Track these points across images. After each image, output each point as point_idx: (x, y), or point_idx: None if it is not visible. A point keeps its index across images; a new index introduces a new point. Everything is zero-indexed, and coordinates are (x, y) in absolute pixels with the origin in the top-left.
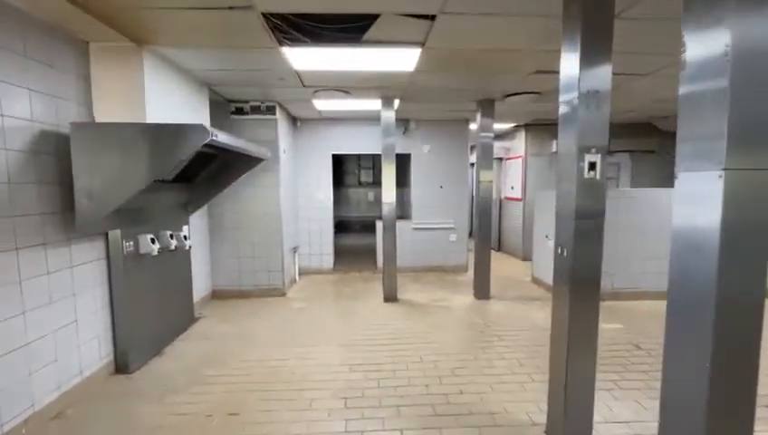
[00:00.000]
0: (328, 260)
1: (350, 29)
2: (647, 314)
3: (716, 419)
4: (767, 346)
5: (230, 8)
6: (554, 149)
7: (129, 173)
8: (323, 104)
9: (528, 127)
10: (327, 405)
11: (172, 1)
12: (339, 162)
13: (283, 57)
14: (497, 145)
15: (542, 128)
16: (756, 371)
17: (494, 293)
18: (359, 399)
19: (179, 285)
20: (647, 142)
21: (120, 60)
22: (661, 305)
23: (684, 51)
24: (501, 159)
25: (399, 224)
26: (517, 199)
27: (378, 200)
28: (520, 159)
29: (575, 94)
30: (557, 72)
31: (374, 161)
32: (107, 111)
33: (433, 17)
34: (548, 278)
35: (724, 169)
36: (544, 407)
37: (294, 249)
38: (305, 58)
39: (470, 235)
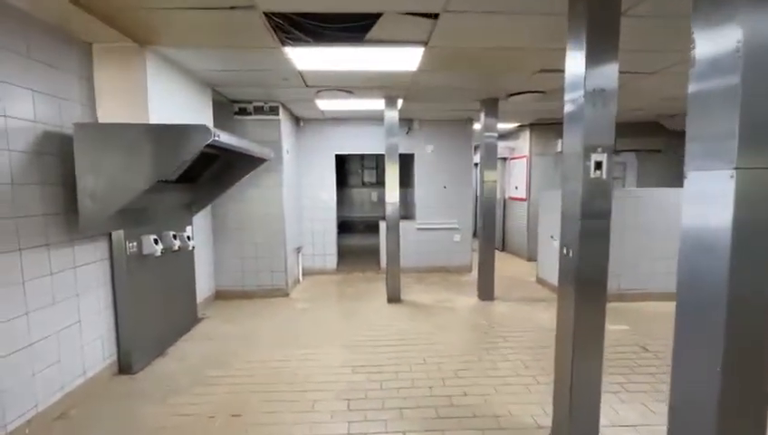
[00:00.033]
0: (331, 260)
1: (353, 28)
2: (653, 316)
3: (728, 419)
4: None
5: (232, 8)
6: (559, 149)
7: (132, 174)
8: (326, 104)
9: (532, 126)
10: (330, 407)
11: (173, 1)
12: (342, 162)
13: (285, 57)
14: (501, 145)
15: (547, 127)
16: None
17: (499, 293)
18: (361, 401)
19: (183, 285)
20: (653, 141)
21: (122, 60)
22: (668, 306)
23: (693, 47)
24: (505, 158)
25: (403, 224)
26: (522, 199)
27: (381, 200)
28: (524, 159)
29: (581, 93)
30: (562, 71)
31: (377, 161)
32: (110, 112)
33: (436, 16)
34: (553, 279)
35: (736, 169)
36: (549, 410)
37: (298, 249)
38: (308, 58)
39: (474, 235)
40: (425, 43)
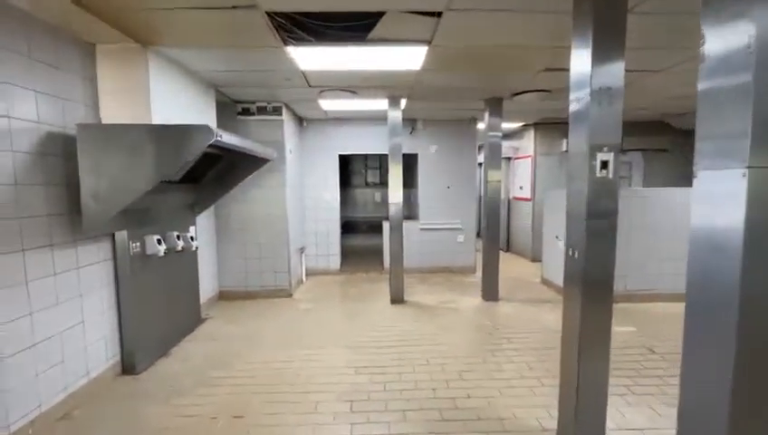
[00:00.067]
0: (335, 261)
1: (355, 27)
2: (660, 317)
3: (740, 420)
4: None
5: (233, 7)
6: (564, 149)
7: (134, 174)
8: (330, 104)
9: (537, 126)
10: (332, 408)
11: (175, 1)
12: (345, 163)
13: (288, 57)
14: (506, 144)
15: (552, 127)
16: None
17: (503, 294)
18: (364, 402)
19: (186, 285)
20: (659, 141)
21: (125, 61)
22: (675, 307)
23: (703, 43)
24: (509, 158)
25: (406, 224)
26: (526, 199)
27: (384, 201)
28: (529, 159)
29: (586, 91)
30: (567, 70)
31: (381, 162)
32: (113, 113)
33: (439, 14)
34: (558, 279)
35: (748, 168)
36: (555, 412)
37: (301, 250)
38: (311, 58)
39: (478, 235)
40: (428, 42)
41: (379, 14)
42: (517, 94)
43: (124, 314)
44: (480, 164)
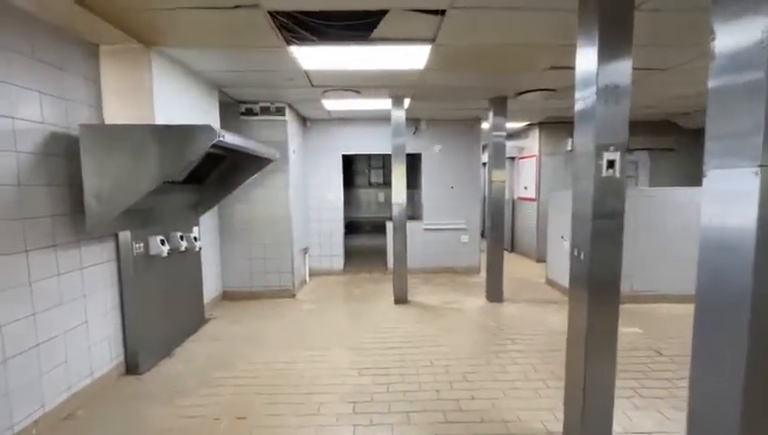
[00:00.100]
0: (338, 261)
1: (358, 26)
2: (666, 318)
3: (753, 419)
4: None
5: (236, 7)
6: (569, 148)
7: (137, 174)
8: (333, 104)
9: (542, 125)
10: (335, 410)
11: (177, 1)
12: (349, 163)
13: (291, 57)
14: (510, 144)
15: (557, 126)
16: None
17: (508, 295)
18: (367, 404)
19: (190, 286)
20: (665, 140)
21: (128, 61)
22: (682, 308)
23: (713, 39)
24: (513, 158)
25: (410, 225)
26: (531, 199)
27: (388, 201)
28: (534, 159)
29: (592, 90)
30: (573, 68)
31: (384, 162)
32: (116, 113)
33: (443, 12)
34: (563, 280)
35: (761, 166)
36: (560, 415)
37: (304, 250)
38: (313, 57)
39: (482, 235)
40: (432, 41)
41: (382, 13)
42: (522, 93)
43: (128, 314)
44: (484, 164)
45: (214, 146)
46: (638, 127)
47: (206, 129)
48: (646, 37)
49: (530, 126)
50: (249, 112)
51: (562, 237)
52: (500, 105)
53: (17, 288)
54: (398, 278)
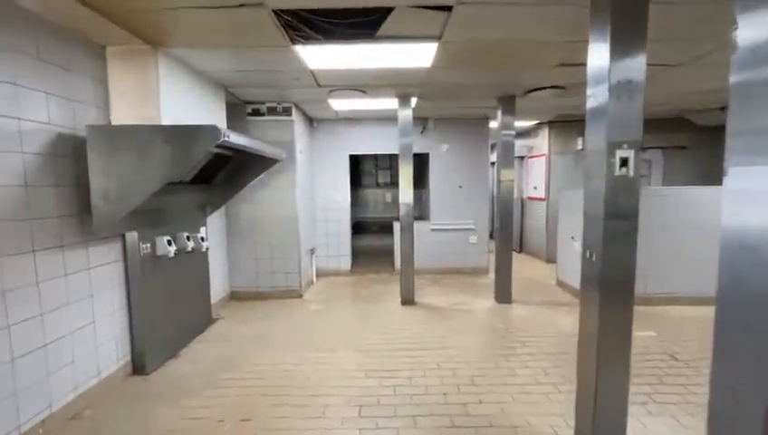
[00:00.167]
0: (345, 261)
1: (364, 24)
2: (680, 320)
3: None
4: None
5: (240, 6)
6: (580, 147)
7: (144, 175)
8: (340, 104)
9: (551, 124)
10: (341, 413)
11: (182, 0)
12: (356, 163)
13: (296, 56)
14: (519, 143)
15: (567, 125)
16: None
17: (517, 296)
18: (374, 407)
19: (197, 286)
20: (679, 137)
21: (135, 62)
22: (696, 311)
23: (735, 29)
24: (522, 157)
25: (417, 225)
26: (540, 199)
27: (395, 201)
28: (543, 158)
29: (605, 86)
30: (583, 65)
31: (392, 162)
32: (123, 114)
33: (449, 8)
34: (574, 281)
35: None
36: (571, 421)
37: (312, 250)
38: (319, 56)
39: (491, 236)
40: (438, 38)
41: (388, 10)
42: (531, 91)
43: (135, 314)
44: (493, 163)
45: (220, 146)
46: (651, 124)
47: (211, 129)
48: (659, 31)
49: (539, 125)
50: (256, 113)
51: (572, 238)
52: (508, 103)
53: (25, 288)
54: (405, 279)
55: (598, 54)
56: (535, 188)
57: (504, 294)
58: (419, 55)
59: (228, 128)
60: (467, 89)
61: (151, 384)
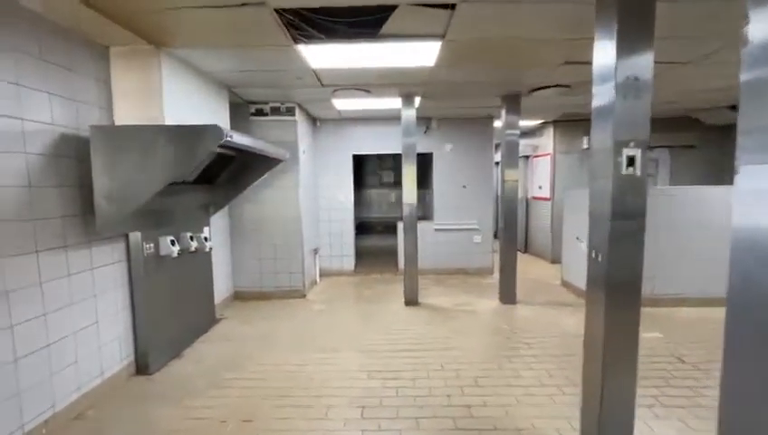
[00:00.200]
0: (349, 262)
1: (366, 23)
2: (686, 322)
3: None
4: None
5: (242, 5)
6: (585, 146)
7: (146, 174)
8: (343, 104)
9: (556, 123)
10: (343, 414)
11: (184, 0)
12: (360, 163)
13: (299, 55)
14: (523, 142)
15: (572, 124)
16: None
17: (521, 297)
18: (376, 408)
19: (200, 286)
20: (686, 137)
21: (138, 63)
22: (703, 312)
23: (747, 23)
24: (527, 157)
25: (421, 225)
26: (545, 199)
27: (399, 201)
28: (548, 157)
29: (611, 84)
30: (589, 63)
31: (395, 162)
32: (126, 114)
33: (453, 6)
34: (579, 282)
35: None
36: (576, 424)
37: (315, 250)
38: (322, 55)
39: (495, 236)
40: (442, 37)
41: (391, 8)
42: (535, 90)
43: (138, 314)
44: (497, 163)
45: (222, 146)
46: (658, 123)
47: (214, 129)
48: (665, 29)
49: (544, 124)
50: (259, 113)
51: (577, 238)
52: (513, 103)
53: (28, 289)
54: (408, 279)
55: (604, 52)
56: (540, 187)
57: (508, 294)
58: (422, 54)
59: (232, 128)
60: (471, 88)
61: (155, 384)
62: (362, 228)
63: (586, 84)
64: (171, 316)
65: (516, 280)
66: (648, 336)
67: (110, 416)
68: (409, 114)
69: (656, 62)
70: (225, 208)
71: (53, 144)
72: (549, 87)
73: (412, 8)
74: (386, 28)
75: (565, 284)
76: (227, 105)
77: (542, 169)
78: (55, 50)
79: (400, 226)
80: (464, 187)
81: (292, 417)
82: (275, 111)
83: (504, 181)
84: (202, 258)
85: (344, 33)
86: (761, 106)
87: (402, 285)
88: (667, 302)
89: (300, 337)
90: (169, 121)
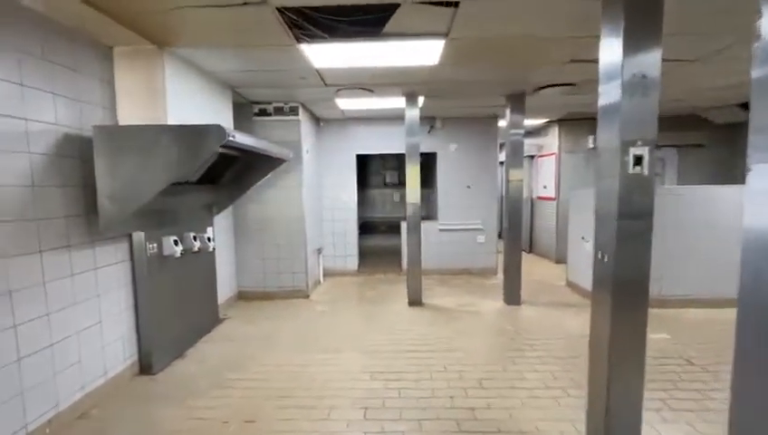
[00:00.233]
0: (352, 262)
1: (369, 21)
2: (694, 323)
3: None
4: None
5: (244, 4)
6: (591, 146)
7: (149, 174)
8: (346, 103)
9: (561, 122)
10: (346, 415)
11: (186, 0)
12: (363, 163)
13: (302, 55)
14: (528, 142)
15: (578, 123)
16: None
17: (526, 297)
18: (379, 410)
19: (203, 286)
20: (695, 136)
21: (142, 63)
22: (712, 313)
23: (759, 17)
24: (532, 156)
25: (425, 225)
26: (550, 199)
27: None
28: (553, 157)
29: (617, 82)
30: (594, 61)
31: (399, 162)
32: (130, 114)
33: (456, 4)
34: (584, 282)
35: None
36: (581, 427)
37: (318, 250)
38: (325, 55)
39: (499, 236)
40: (445, 35)
41: (394, 7)
42: (540, 89)
43: (141, 314)
44: (501, 163)
45: (225, 146)
46: (666, 122)
47: (217, 129)
48: (674, 25)
49: (549, 123)
50: (263, 113)
51: (583, 238)
52: (517, 102)
53: (31, 288)
54: (412, 279)
55: (610, 50)
56: (545, 187)
57: (512, 295)
58: (426, 53)
59: (235, 128)
60: (475, 87)
61: (158, 384)
62: (366, 228)
63: (592, 83)
64: (174, 316)
65: (521, 280)
66: (656, 338)
67: (114, 416)
68: (413, 114)
69: (664, 60)
70: (229, 208)
71: (57, 144)
72: (554, 86)
73: (415, 6)
74: (389, 27)
75: (570, 284)
76: (231, 105)
77: (547, 168)
78: (59, 50)
79: (404, 226)
80: (468, 187)
81: (295, 418)
82: (279, 110)
83: (508, 181)
84: (205, 258)
85: (347, 32)
86: None
87: (406, 285)
88: (674, 303)
89: (303, 337)
90: (172, 121)
